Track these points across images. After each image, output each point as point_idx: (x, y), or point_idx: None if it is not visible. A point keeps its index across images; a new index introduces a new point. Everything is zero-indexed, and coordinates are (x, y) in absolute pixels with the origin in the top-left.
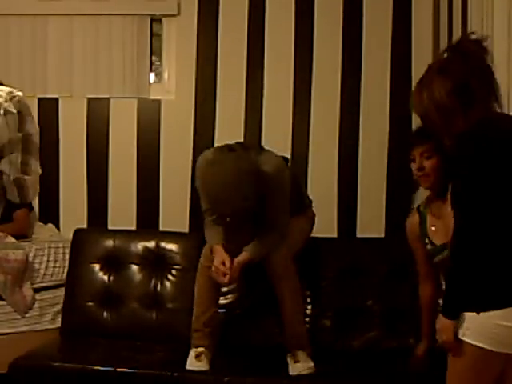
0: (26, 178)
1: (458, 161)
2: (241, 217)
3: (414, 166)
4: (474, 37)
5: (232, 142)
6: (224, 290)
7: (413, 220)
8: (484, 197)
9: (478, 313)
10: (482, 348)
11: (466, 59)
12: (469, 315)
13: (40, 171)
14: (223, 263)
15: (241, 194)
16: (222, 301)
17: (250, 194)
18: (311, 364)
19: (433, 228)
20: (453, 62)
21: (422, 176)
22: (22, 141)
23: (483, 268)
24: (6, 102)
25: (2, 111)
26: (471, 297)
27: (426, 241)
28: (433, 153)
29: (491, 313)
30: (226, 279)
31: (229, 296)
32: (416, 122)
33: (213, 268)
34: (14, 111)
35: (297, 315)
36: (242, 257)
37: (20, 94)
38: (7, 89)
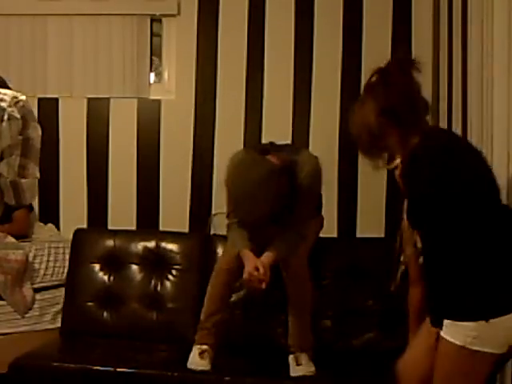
0: (23, 181)
1: (412, 179)
2: (264, 222)
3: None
4: (402, 59)
5: (266, 141)
6: None
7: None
8: (445, 211)
9: (487, 320)
10: (489, 352)
11: (390, 84)
12: (476, 324)
13: (38, 175)
14: (257, 269)
15: (266, 204)
16: None
17: (275, 202)
18: (313, 368)
19: None
20: (378, 85)
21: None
22: (21, 144)
23: (479, 278)
24: (10, 106)
25: (6, 116)
26: (477, 306)
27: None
28: None
29: (500, 318)
30: (263, 285)
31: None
32: None
33: (246, 275)
34: (18, 116)
35: (304, 317)
36: (268, 258)
37: (24, 98)
38: (11, 93)
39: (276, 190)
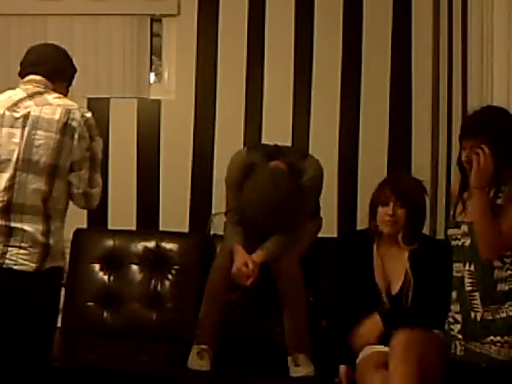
0: (93, 190)
1: None
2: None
3: (463, 154)
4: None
5: (277, 142)
6: None
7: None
8: None
9: None
10: None
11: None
12: None
13: (101, 182)
14: (246, 265)
15: (281, 216)
16: None
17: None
18: (312, 368)
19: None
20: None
21: (470, 166)
22: (89, 159)
23: None
24: (80, 126)
25: (76, 135)
26: None
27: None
28: (484, 146)
29: None
30: (249, 281)
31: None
32: (416, 120)
33: (234, 269)
34: (87, 135)
35: (300, 318)
36: (259, 256)
37: (90, 115)
38: (79, 110)
39: (290, 203)
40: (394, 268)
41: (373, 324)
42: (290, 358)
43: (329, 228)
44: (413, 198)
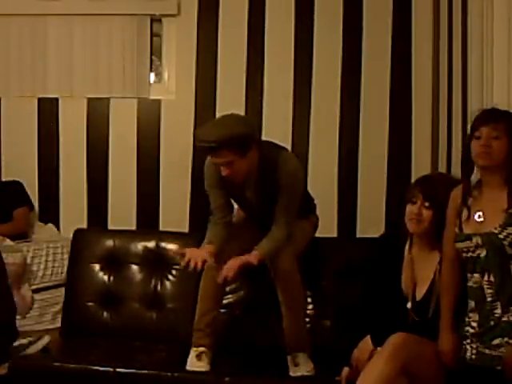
0: None
1: None
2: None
3: (477, 143)
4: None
5: None
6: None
7: (458, 191)
8: None
9: None
10: None
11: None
12: None
13: None
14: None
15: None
16: (223, 301)
17: None
18: (311, 366)
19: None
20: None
21: (485, 153)
22: None
23: None
24: None
25: None
26: None
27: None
28: (503, 134)
29: None
30: (220, 279)
31: (230, 296)
32: (416, 121)
33: (187, 255)
34: None
35: (298, 317)
36: (253, 256)
37: None
38: None
39: None
40: (423, 271)
41: (364, 346)
42: (289, 358)
43: (329, 228)
44: (440, 201)
